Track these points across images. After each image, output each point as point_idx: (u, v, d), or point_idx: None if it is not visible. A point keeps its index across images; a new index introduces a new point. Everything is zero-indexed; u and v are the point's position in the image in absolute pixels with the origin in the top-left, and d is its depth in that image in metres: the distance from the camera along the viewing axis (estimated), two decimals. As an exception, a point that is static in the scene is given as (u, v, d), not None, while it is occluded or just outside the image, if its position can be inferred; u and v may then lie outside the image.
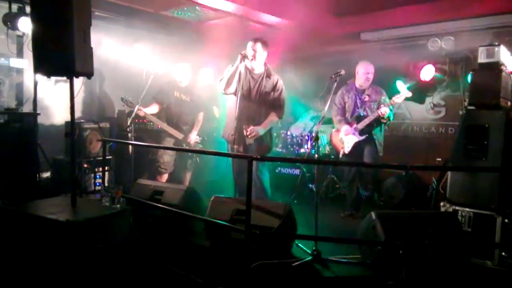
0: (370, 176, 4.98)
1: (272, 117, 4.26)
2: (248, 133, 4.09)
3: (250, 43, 4.13)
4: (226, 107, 4.35)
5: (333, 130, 5.12)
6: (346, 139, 4.82)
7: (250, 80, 4.21)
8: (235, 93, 4.09)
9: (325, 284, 3.21)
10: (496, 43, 3.77)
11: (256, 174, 4.13)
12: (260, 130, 4.16)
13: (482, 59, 3.73)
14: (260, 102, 4.22)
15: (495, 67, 3.65)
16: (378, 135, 4.93)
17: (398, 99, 4.59)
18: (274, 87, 4.23)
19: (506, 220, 3.46)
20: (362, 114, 4.78)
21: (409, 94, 4.68)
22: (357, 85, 4.87)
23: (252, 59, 4.09)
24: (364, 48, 6.47)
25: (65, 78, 3.10)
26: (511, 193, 4.01)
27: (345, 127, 4.81)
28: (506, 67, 3.84)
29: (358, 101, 4.83)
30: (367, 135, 4.73)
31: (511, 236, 3.47)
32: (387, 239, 3.09)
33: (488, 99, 3.62)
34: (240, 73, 4.08)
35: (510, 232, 3.47)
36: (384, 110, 4.52)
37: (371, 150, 4.76)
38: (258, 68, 4.22)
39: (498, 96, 3.59)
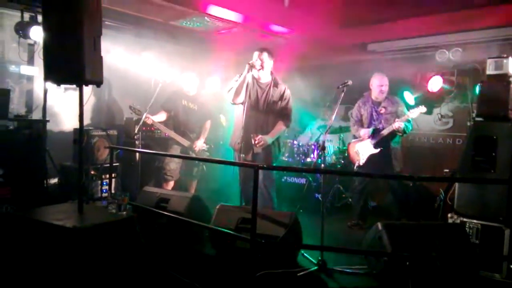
0: (379, 188, 4.96)
1: (280, 126, 4.28)
2: (256, 142, 4.10)
3: (256, 53, 4.17)
4: (233, 116, 4.37)
5: (352, 142, 5.09)
6: (362, 150, 4.81)
7: (257, 90, 4.24)
8: (243, 103, 4.11)
9: (331, 295, 3.20)
10: (505, 55, 3.77)
11: (263, 183, 4.13)
12: (268, 139, 4.17)
13: (490, 70, 3.72)
14: (267, 111, 4.24)
15: (503, 79, 3.64)
16: (396, 148, 4.85)
17: (412, 114, 4.54)
18: (281, 96, 4.25)
19: (515, 233, 3.42)
20: (378, 127, 4.76)
21: (424, 110, 4.65)
22: (373, 98, 4.88)
23: (260, 69, 4.12)
24: (372, 59, 6.48)
25: (74, 86, 3.14)
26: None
27: (363, 130, 4.81)
28: (514, 79, 3.83)
29: (374, 113, 4.83)
30: (382, 148, 4.70)
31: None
32: (394, 250, 3.06)
33: (497, 110, 3.61)
34: (248, 83, 4.11)
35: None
36: (398, 125, 4.48)
37: (383, 167, 4.70)
38: (265, 77, 4.25)
39: (507, 107, 3.57)
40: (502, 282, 3.34)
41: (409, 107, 4.68)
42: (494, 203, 3.50)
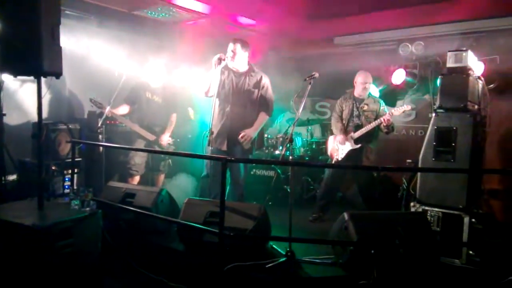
0: (346, 179, 5.05)
1: (262, 117, 4.27)
2: (242, 140, 4.11)
3: (230, 44, 4.13)
4: (211, 108, 4.29)
5: (331, 137, 5.12)
6: (341, 146, 4.86)
7: (232, 80, 4.20)
8: (217, 96, 4.07)
9: (299, 285, 3.23)
10: (464, 48, 3.90)
11: (240, 176, 4.23)
12: (252, 132, 4.17)
13: (450, 63, 3.84)
14: (244, 101, 4.21)
15: (463, 72, 3.76)
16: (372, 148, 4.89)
17: (396, 111, 4.61)
18: (257, 84, 4.22)
19: (473, 220, 3.57)
20: (358, 123, 4.81)
21: (408, 108, 4.73)
22: (355, 95, 4.92)
23: (231, 60, 4.08)
24: (338, 52, 6.57)
25: (32, 78, 3.00)
26: (478, 194, 4.16)
27: (339, 137, 4.85)
28: (473, 71, 3.97)
29: (355, 110, 4.87)
30: (361, 144, 4.75)
31: (478, 235, 3.59)
32: (360, 240, 3.13)
33: (456, 102, 3.73)
34: (221, 75, 4.08)
35: (477, 231, 3.58)
36: (388, 118, 4.53)
37: (358, 162, 4.76)
38: (242, 67, 4.22)
39: (466, 99, 3.70)
40: (462, 268, 3.49)
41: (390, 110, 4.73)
42: (454, 192, 3.63)
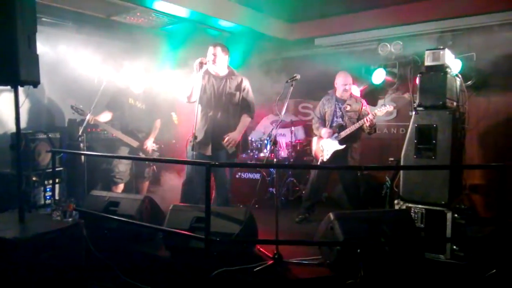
0: (331, 179, 5.07)
1: (245, 119, 4.25)
2: (226, 144, 4.09)
3: (210, 48, 4.11)
4: (195, 111, 4.25)
5: (315, 137, 5.11)
6: (326, 146, 4.84)
7: (213, 84, 4.19)
8: (199, 101, 4.05)
9: (288, 287, 3.23)
10: (441, 47, 3.98)
11: (224, 181, 4.22)
12: (237, 135, 4.16)
13: (428, 62, 3.90)
14: (226, 105, 4.19)
15: (441, 70, 3.83)
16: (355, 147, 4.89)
17: (379, 112, 4.62)
18: (238, 87, 4.21)
19: (456, 215, 3.63)
20: (341, 124, 4.80)
21: (391, 108, 4.76)
22: (337, 95, 4.91)
23: (212, 63, 4.07)
24: (319, 53, 6.62)
25: (9, 87, 2.93)
26: (459, 189, 4.24)
27: (324, 130, 4.83)
28: (451, 69, 4.05)
29: (337, 110, 4.85)
30: (346, 145, 4.75)
31: (461, 230, 3.65)
32: (346, 239, 3.15)
33: (435, 100, 3.79)
34: (203, 79, 4.07)
35: (460, 226, 3.65)
36: (372, 118, 4.53)
37: (343, 163, 4.77)
38: (222, 71, 4.21)
39: (445, 97, 3.76)
40: (446, 263, 3.55)
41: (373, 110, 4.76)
42: (437, 188, 3.69)
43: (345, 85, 4.84)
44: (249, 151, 6.10)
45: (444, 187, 3.67)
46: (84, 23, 5.41)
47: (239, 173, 5.89)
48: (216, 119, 4.17)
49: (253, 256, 3.53)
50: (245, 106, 4.26)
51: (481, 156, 5.31)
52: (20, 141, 3.02)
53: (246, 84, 4.27)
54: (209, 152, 4.15)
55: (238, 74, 4.29)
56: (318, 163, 5.00)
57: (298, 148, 6.21)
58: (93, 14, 5.28)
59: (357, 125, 4.68)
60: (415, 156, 3.82)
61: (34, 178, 4.67)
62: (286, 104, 3.85)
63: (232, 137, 4.12)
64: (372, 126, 4.64)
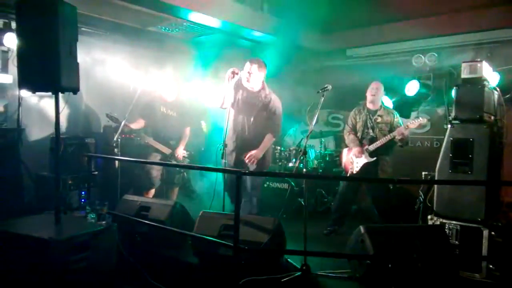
0: (361, 192, 4.99)
1: (269, 138, 4.25)
2: (247, 161, 4.13)
3: (247, 64, 4.12)
4: (225, 120, 4.30)
5: (345, 149, 5.05)
6: (356, 158, 4.78)
7: (245, 98, 4.19)
8: (232, 106, 4.10)
9: (315, 300, 3.19)
10: (479, 59, 3.87)
11: (254, 190, 4.22)
12: (258, 153, 4.17)
13: (465, 74, 3.81)
14: (255, 120, 4.21)
15: (478, 83, 3.73)
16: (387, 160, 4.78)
17: (412, 124, 4.51)
18: (267, 106, 4.20)
19: (493, 233, 3.49)
20: (372, 136, 4.73)
21: (424, 121, 4.64)
22: (368, 106, 4.85)
23: (247, 81, 4.10)
24: (350, 64, 6.58)
25: (50, 93, 3.06)
26: (497, 206, 4.07)
27: (356, 149, 4.76)
28: (488, 82, 3.93)
29: (369, 122, 4.78)
30: (376, 157, 4.67)
31: (498, 248, 3.50)
32: (376, 253, 3.08)
33: (472, 113, 3.68)
34: (237, 92, 4.13)
35: (497, 244, 3.50)
36: (403, 131, 4.44)
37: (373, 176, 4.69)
38: (256, 86, 4.19)
39: (482, 110, 3.65)
40: (482, 282, 3.40)
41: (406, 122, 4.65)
42: (472, 204, 3.56)
43: (371, 91, 4.77)
44: (277, 160, 6.10)
45: (481, 203, 3.54)
46: (120, 33, 5.60)
47: (268, 183, 5.89)
48: (244, 135, 4.21)
49: (281, 266, 3.51)
50: (271, 126, 4.26)
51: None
52: (59, 145, 3.14)
53: (276, 105, 4.25)
54: (231, 163, 4.21)
55: (270, 92, 4.26)
56: (348, 175, 4.93)
57: (328, 159, 6.15)
58: (130, 25, 5.47)
59: (388, 137, 4.58)
60: (450, 171, 3.71)
61: (70, 181, 4.84)
62: (317, 114, 3.83)
63: (253, 155, 4.14)
64: (404, 139, 4.54)
